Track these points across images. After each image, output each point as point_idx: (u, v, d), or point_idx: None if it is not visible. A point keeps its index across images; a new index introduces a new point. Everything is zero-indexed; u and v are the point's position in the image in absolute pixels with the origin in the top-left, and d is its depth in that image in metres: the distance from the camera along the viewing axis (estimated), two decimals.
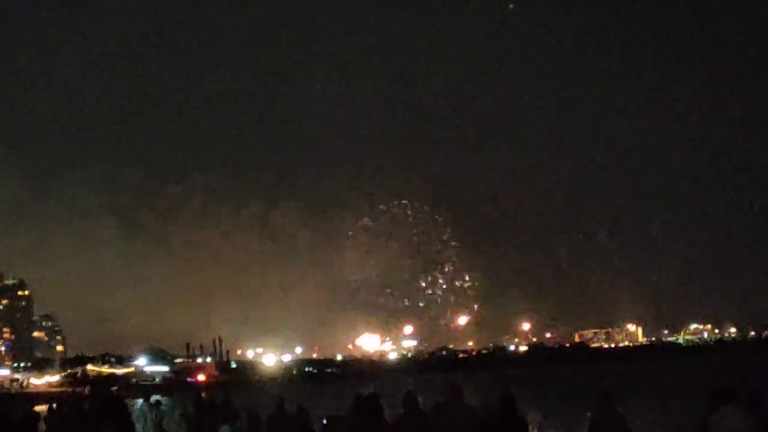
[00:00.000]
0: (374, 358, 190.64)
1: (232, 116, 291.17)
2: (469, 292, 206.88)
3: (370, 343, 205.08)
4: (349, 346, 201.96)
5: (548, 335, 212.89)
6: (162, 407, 20.77)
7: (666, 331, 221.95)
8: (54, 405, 24.56)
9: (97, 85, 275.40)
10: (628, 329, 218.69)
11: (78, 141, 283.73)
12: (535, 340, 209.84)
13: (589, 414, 14.57)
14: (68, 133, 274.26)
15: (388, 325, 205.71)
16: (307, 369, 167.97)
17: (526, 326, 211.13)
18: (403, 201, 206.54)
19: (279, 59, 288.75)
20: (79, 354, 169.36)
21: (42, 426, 22.57)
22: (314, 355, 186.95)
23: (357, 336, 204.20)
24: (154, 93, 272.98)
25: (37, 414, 22.26)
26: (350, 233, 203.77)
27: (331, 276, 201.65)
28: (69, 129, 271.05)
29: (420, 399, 13.76)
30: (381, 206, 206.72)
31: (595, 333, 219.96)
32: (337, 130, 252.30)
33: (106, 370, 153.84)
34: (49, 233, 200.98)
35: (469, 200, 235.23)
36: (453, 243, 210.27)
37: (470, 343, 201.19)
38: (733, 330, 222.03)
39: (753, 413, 12.14)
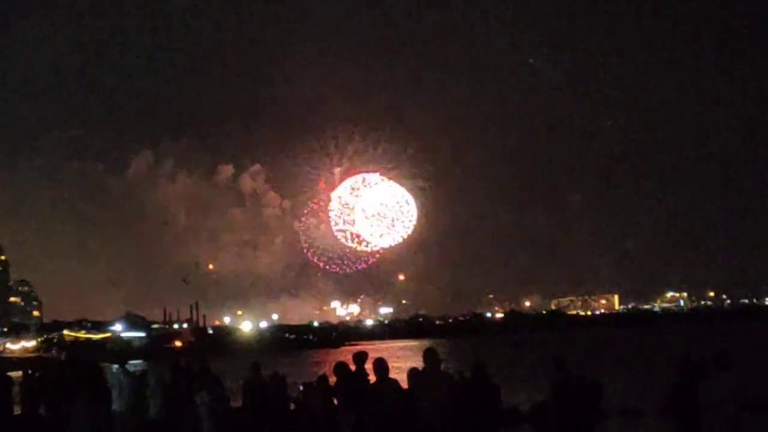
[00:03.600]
0: (350, 325, 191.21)
1: (204, 80, 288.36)
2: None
3: (345, 309, 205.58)
4: (321, 310, 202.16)
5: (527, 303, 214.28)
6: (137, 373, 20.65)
7: (642, 299, 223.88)
8: (29, 371, 24.37)
9: (68, 50, 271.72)
10: (604, 297, 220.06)
11: (49, 107, 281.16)
12: (512, 306, 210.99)
13: (550, 381, 14.22)
14: (39, 99, 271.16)
15: (363, 290, 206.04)
16: (285, 335, 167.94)
17: (502, 293, 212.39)
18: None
19: (251, 24, 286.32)
20: (56, 319, 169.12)
21: (17, 392, 22.40)
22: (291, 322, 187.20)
23: (331, 302, 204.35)
24: (125, 58, 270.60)
25: (12, 379, 22.06)
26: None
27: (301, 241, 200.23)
28: (39, 95, 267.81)
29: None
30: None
31: (572, 300, 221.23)
32: (311, 95, 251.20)
33: (82, 335, 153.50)
34: (24, 198, 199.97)
35: (441, 163, 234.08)
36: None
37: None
38: (711, 295, 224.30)
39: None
